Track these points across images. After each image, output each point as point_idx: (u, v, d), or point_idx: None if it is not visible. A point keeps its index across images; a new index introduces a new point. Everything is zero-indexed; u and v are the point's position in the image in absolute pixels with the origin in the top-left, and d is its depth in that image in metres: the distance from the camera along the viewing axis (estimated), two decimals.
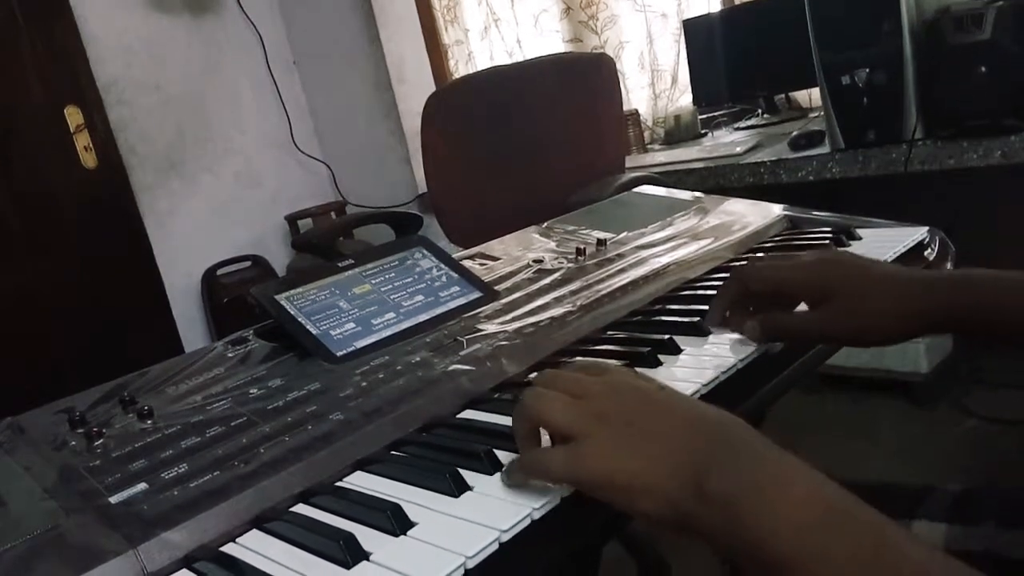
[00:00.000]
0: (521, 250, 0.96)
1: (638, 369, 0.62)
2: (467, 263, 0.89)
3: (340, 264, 0.81)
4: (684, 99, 2.44)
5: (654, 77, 2.48)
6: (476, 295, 0.80)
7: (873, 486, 0.64)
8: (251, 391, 0.64)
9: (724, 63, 2.26)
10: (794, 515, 0.38)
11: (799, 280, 0.63)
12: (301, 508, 0.52)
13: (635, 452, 0.44)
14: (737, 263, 0.89)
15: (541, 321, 0.74)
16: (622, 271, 0.86)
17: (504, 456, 0.51)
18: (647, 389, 0.48)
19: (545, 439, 0.49)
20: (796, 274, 0.63)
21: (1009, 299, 0.57)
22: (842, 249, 0.68)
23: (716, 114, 2.37)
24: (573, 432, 0.46)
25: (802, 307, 0.65)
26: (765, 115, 2.26)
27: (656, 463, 0.43)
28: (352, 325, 0.73)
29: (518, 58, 2.68)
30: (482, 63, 2.79)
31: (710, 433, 0.44)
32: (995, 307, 0.57)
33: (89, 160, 2.37)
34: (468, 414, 0.62)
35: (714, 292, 0.78)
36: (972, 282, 0.59)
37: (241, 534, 0.50)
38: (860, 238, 0.91)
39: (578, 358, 0.53)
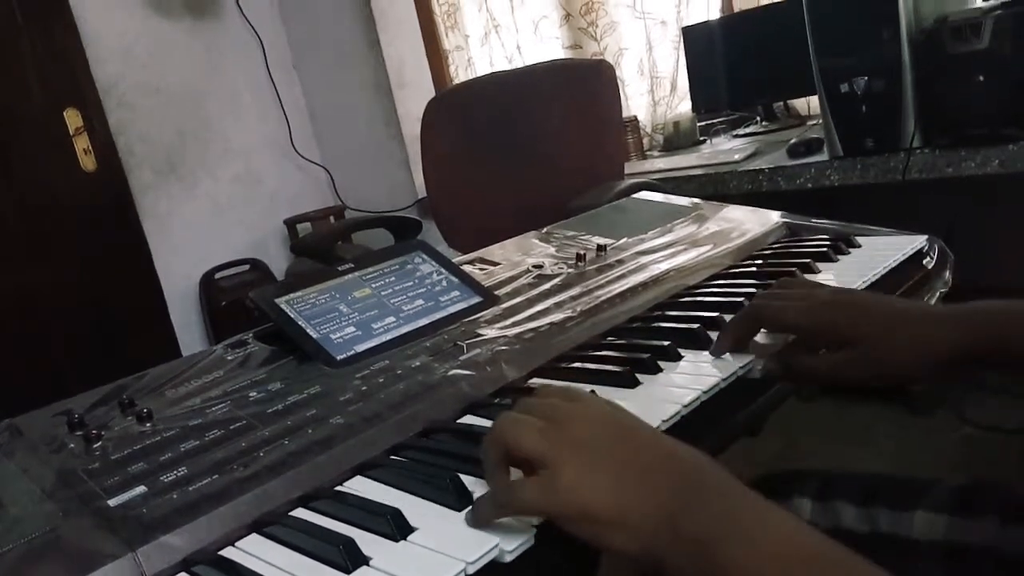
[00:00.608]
0: (521, 255, 0.96)
1: (644, 384, 0.62)
2: (467, 268, 0.89)
3: (340, 268, 0.81)
4: (683, 106, 2.44)
5: (653, 84, 2.48)
6: (476, 300, 0.80)
7: (878, 477, 0.64)
8: (250, 394, 0.64)
9: (723, 70, 2.27)
10: (767, 558, 0.38)
11: (815, 326, 0.62)
12: (301, 512, 0.52)
13: (609, 484, 0.43)
14: (738, 269, 0.89)
15: (541, 326, 0.74)
16: (622, 277, 0.86)
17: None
18: (623, 421, 0.47)
19: (515, 474, 0.47)
20: (812, 319, 0.62)
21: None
22: (852, 289, 0.67)
23: (715, 121, 2.38)
24: (546, 459, 0.44)
25: None
26: (764, 122, 2.27)
27: (631, 498, 0.42)
28: (352, 329, 0.73)
29: (518, 64, 2.68)
30: (482, 69, 2.79)
31: (685, 472, 0.43)
32: (1011, 337, 0.57)
33: (88, 163, 2.36)
34: (468, 419, 0.62)
35: (713, 299, 0.79)
36: (987, 315, 0.58)
37: (240, 538, 0.50)
38: (859, 246, 0.91)
39: (553, 384, 0.52)
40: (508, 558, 0.44)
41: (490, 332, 0.74)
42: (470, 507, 0.48)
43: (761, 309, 0.65)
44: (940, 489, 0.59)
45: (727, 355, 0.65)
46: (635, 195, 1.25)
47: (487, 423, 0.59)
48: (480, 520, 0.46)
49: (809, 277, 0.82)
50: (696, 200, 1.14)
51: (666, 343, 0.67)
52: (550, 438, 0.45)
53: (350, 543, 0.45)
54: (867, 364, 0.59)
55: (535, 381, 0.67)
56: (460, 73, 2.86)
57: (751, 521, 0.40)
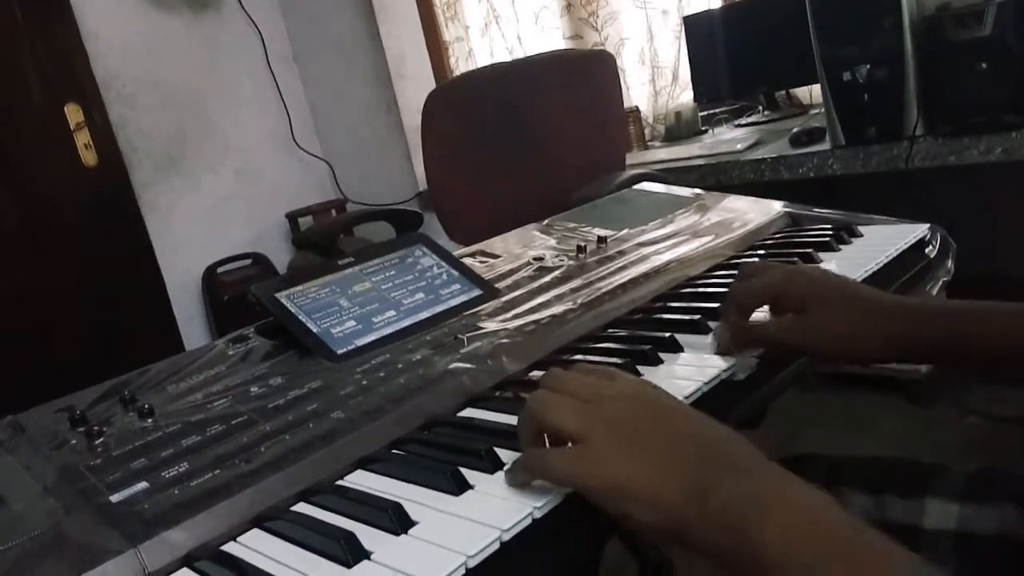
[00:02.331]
0: (522, 248, 0.96)
1: (638, 367, 0.62)
2: (468, 261, 0.89)
3: (340, 262, 0.81)
4: (685, 96, 2.43)
5: (655, 74, 2.47)
6: (477, 293, 0.80)
7: (887, 462, 0.64)
8: (252, 389, 0.64)
9: (725, 59, 2.26)
10: (796, 534, 0.38)
11: (776, 290, 0.63)
12: (302, 507, 0.52)
13: (640, 459, 0.43)
14: (740, 259, 0.89)
15: (542, 319, 0.74)
16: (623, 268, 0.86)
17: (505, 455, 0.51)
18: (655, 397, 0.48)
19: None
20: (774, 286, 0.63)
21: (986, 329, 0.58)
22: (819, 266, 0.68)
23: (717, 111, 2.37)
24: (579, 435, 0.45)
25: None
26: (766, 112, 2.26)
27: (660, 473, 0.43)
28: (353, 323, 0.73)
29: (519, 55, 2.67)
30: (482, 60, 2.79)
31: (716, 448, 0.44)
32: (970, 336, 0.58)
33: (89, 158, 2.36)
34: (469, 412, 0.62)
35: (715, 290, 0.78)
36: (949, 312, 0.59)
37: (242, 533, 0.50)
38: (861, 235, 0.90)
39: (582, 362, 0.53)
40: (537, 514, 0.45)
41: (491, 325, 0.73)
42: (471, 489, 0.49)
43: (733, 294, 0.66)
44: (950, 476, 0.59)
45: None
46: (636, 186, 1.24)
47: (488, 416, 0.60)
48: (514, 481, 0.48)
49: (811, 267, 0.82)
50: (698, 190, 1.14)
51: (667, 335, 0.66)
52: (583, 415, 0.46)
53: (351, 537, 0.45)
54: (805, 331, 0.61)
55: (536, 374, 0.67)
56: (460, 64, 2.85)
57: (782, 498, 0.40)
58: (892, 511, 0.60)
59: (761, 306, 0.65)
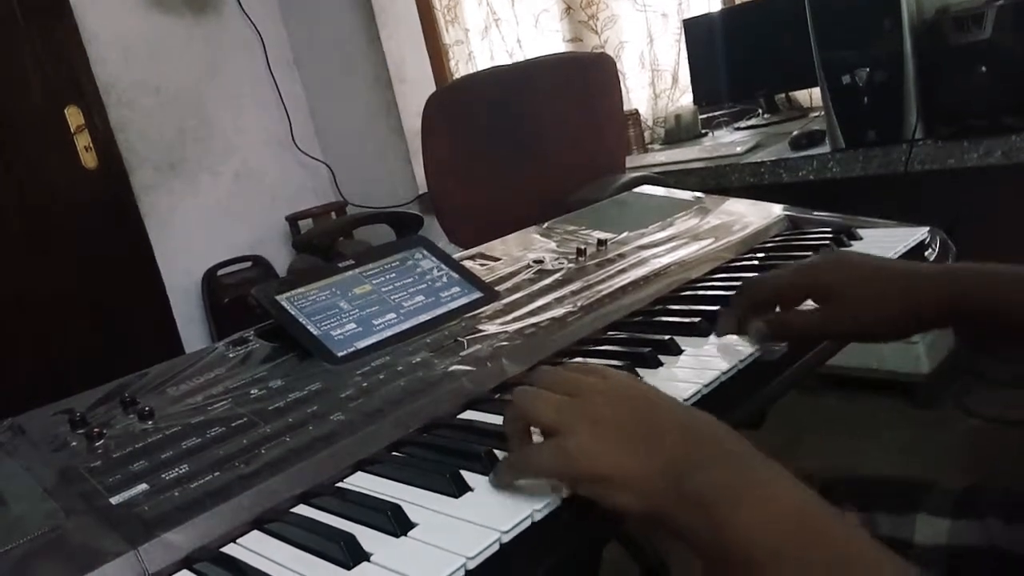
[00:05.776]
0: (522, 250, 0.96)
1: (637, 370, 0.62)
2: (467, 263, 0.89)
3: (341, 265, 0.81)
4: (684, 99, 2.44)
5: (654, 77, 2.48)
6: (477, 295, 0.80)
7: (877, 480, 0.64)
8: (252, 392, 0.64)
9: (724, 63, 2.26)
10: (769, 521, 0.39)
11: (801, 283, 0.63)
12: (302, 509, 0.52)
13: (619, 446, 0.44)
14: (739, 262, 0.89)
15: (542, 321, 0.74)
16: (623, 271, 0.86)
17: (504, 457, 0.51)
18: (640, 391, 0.48)
19: (537, 439, 0.49)
20: (797, 278, 0.64)
21: (1008, 292, 0.58)
22: (842, 249, 0.68)
23: (716, 114, 2.37)
24: (561, 428, 0.46)
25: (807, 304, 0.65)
26: (765, 115, 2.26)
27: (639, 458, 0.43)
28: (353, 325, 0.73)
29: (518, 58, 2.67)
30: (482, 63, 2.79)
31: (696, 435, 0.44)
32: (993, 300, 0.58)
33: (89, 160, 2.37)
34: (469, 415, 0.62)
35: (715, 293, 0.78)
36: (971, 275, 0.59)
37: (242, 535, 0.50)
38: (861, 238, 0.90)
39: (573, 360, 0.53)
40: (537, 516, 0.45)
41: (491, 328, 0.73)
42: (470, 491, 0.49)
43: (751, 282, 0.66)
44: (941, 491, 0.59)
45: (727, 347, 0.65)
46: (636, 189, 1.25)
47: (488, 418, 0.60)
48: (499, 483, 0.48)
49: (833, 252, 0.82)
50: (698, 193, 1.14)
51: (667, 337, 0.67)
52: (566, 410, 0.47)
53: (351, 539, 0.45)
54: (849, 316, 0.60)
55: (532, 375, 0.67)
56: (460, 67, 2.85)
57: (756, 486, 0.41)
58: (883, 527, 0.60)
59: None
